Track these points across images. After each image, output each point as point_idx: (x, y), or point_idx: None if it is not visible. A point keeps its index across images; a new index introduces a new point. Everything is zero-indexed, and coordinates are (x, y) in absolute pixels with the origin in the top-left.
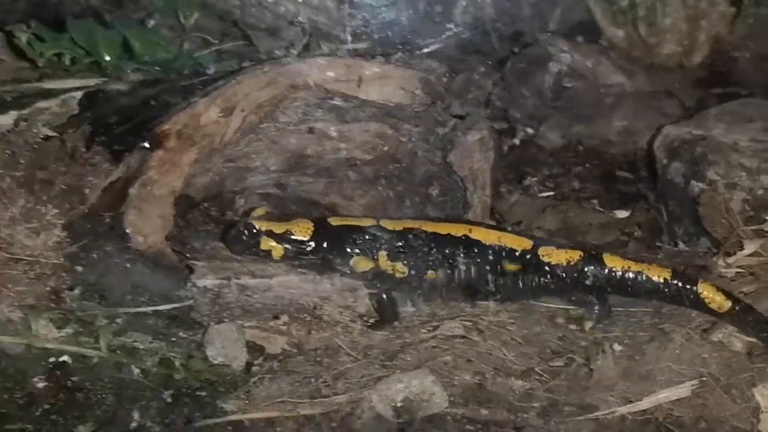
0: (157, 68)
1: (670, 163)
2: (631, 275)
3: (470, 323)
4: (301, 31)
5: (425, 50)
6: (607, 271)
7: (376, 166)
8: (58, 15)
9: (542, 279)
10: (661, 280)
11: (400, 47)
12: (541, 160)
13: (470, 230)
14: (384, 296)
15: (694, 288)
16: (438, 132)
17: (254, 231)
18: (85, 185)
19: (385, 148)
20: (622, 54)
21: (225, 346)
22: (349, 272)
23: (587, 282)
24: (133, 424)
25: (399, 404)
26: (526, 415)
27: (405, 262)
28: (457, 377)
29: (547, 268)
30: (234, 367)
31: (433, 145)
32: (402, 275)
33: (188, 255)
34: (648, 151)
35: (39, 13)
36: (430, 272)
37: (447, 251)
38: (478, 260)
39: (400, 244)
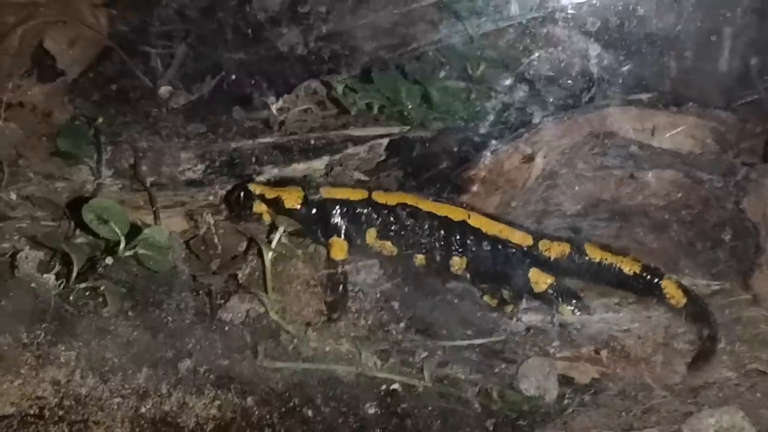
0: (456, 117)
1: None
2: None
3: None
4: (587, 81)
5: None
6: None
7: (669, 212)
8: (362, 66)
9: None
10: (632, 273)
11: (687, 98)
12: None
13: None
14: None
15: (658, 282)
16: (730, 179)
17: (248, 194)
18: None
19: (679, 195)
20: None
21: (538, 379)
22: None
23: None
24: None
25: None
26: None
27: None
28: (762, 414)
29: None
30: (547, 399)
31: (725, 192)
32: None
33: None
34: None
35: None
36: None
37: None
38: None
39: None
